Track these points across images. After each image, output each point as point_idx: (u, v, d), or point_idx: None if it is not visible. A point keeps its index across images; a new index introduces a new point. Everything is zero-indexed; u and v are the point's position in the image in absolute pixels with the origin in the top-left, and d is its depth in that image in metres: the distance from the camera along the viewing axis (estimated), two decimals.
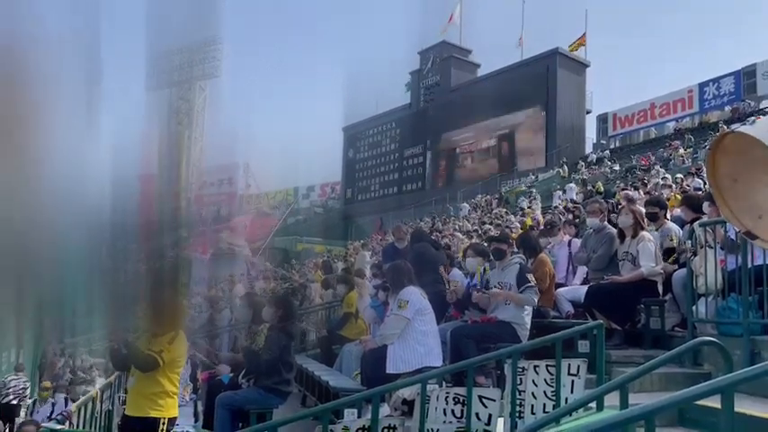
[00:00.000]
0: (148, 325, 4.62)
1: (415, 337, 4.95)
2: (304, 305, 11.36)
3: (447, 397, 3.62)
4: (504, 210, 22.97)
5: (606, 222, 6.34)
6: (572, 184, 24.61)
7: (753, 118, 24.22)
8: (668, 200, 8.89)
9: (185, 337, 4.63)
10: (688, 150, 25.77)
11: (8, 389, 11.22)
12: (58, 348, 14.47)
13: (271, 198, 59.59)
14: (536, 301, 5.29)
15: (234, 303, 10.54)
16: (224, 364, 6.87)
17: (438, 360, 5.00)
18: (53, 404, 10.44)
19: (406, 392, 4.48)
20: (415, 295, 5.10)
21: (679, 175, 16.73)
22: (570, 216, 11.60)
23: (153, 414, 4.35)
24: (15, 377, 11.55)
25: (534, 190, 27.68)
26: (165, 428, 4.34)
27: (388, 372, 4.85)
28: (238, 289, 12.59)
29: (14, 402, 11.17)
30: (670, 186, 13.18)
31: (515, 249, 6.00)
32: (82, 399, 8.11)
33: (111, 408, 8.80)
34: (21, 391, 11.36)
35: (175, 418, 4.53)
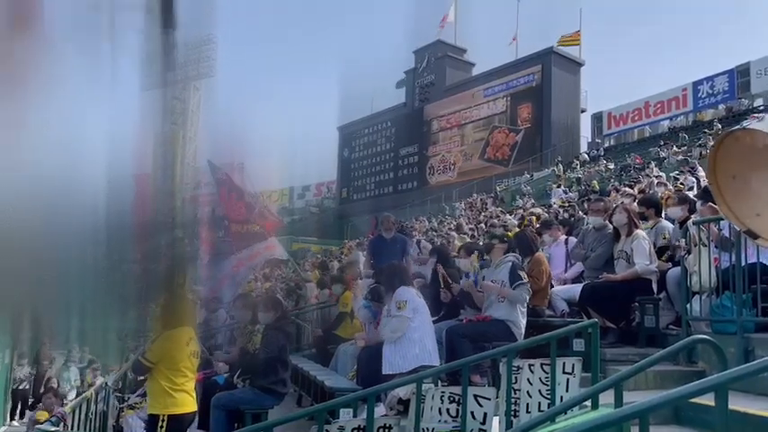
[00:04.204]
0: (150, 326, 4.70)
1: (410, 337, 4.96)
2: (300, 304, 11.34)
3: (442, 396, 3.62)
4: (500, 209, 23.00)
5: (608, 222, 6.36)
6: (560, 189, 24.63)
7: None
8: (664, 198, 8.91)
9: (181, 334, 4.63)
10: (682, 149, 25.85)
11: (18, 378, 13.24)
12: (51, 355, 14.62)
13: (266, 198, 59.47)
14: (527, 298, 5.28)
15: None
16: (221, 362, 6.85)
17: (434, 359, 5.01)
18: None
19: (402, 392, 4.49)
20: (410, 294, 5.14)
21: (674, 174, 16.77)
22: (566, 215, 11.62)
23: (153, 411, 4.49)
24: (20, 367, 13.45)
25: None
26: (165, 425, 4.38)
27: (384, 373, 4.85)
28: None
29: (21, 388, 13.20)
30: (665, 184, 13.21)
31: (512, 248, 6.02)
32: (77, 400, 8.08)
33: (105, 409, 8.76)
34: (27, 377, 13.38)
35: (182, 416, 4.51)
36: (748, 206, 2.21)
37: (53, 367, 14.47)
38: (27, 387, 13.27)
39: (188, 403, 4.56)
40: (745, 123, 2.22)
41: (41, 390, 13.38)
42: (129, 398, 7.88)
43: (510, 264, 5.38)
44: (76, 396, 11.30)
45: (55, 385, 13.17)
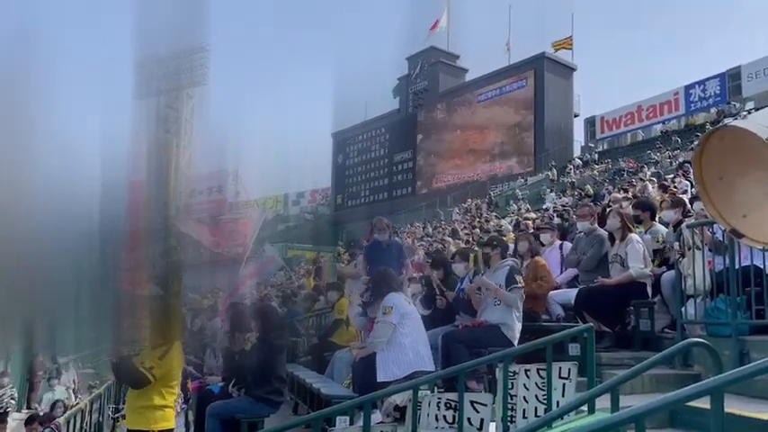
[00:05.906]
0: (143, 337, 4.60)
1: (401, 343, 4.94)
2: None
3: (439, 402, 3.61)
4: (494, 213, 23.05)
5: (596, 225, 6.38)
6: (551, 194, 24.80)
7: (746, 114, 24.40)
8: (660, 201, 8.92)
9: (180, 349, 4.60)
10: (675, 152, 25.98)
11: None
12: (46, 365, 14.10)
13: (260, 205, 59.36)
14: (520, 303, 5.28)
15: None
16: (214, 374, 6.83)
17: (429, 364, 4.99)
18: None
19: (398, 399, 4.47)
20: (398, 300, 5.12)
21: (670, 176, 16.82)
22: (559, 219, 11.66)
23: (141, 427, 4.38)
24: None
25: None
26: None
27: (379, 380, 4.83)
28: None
29: (1, 412, 11.43)
30: (663, 186, 13.24)
31: (509, 252, 6.02)
32: (71, 410, 8.03)
33: (100, 420, 8.71)
34: (8, 399, 11.60)
35: (170, 431, 4.50)
36: (735, 207, 2.22)
37: (39, 387, 13.59)
38: (3, 411, 11.75)
39: (173, 418, 4.55)
40: (728, 121, 2.23)
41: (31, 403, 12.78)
42: (123, 408, 7.84)
43: (508, 267, 5.39)
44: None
45: (40, 409, 12.26)
